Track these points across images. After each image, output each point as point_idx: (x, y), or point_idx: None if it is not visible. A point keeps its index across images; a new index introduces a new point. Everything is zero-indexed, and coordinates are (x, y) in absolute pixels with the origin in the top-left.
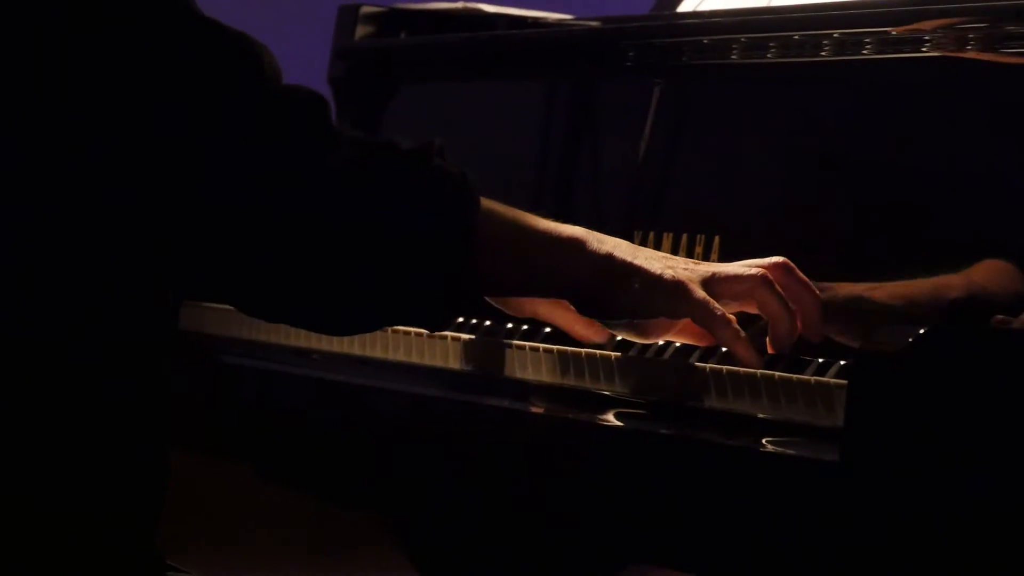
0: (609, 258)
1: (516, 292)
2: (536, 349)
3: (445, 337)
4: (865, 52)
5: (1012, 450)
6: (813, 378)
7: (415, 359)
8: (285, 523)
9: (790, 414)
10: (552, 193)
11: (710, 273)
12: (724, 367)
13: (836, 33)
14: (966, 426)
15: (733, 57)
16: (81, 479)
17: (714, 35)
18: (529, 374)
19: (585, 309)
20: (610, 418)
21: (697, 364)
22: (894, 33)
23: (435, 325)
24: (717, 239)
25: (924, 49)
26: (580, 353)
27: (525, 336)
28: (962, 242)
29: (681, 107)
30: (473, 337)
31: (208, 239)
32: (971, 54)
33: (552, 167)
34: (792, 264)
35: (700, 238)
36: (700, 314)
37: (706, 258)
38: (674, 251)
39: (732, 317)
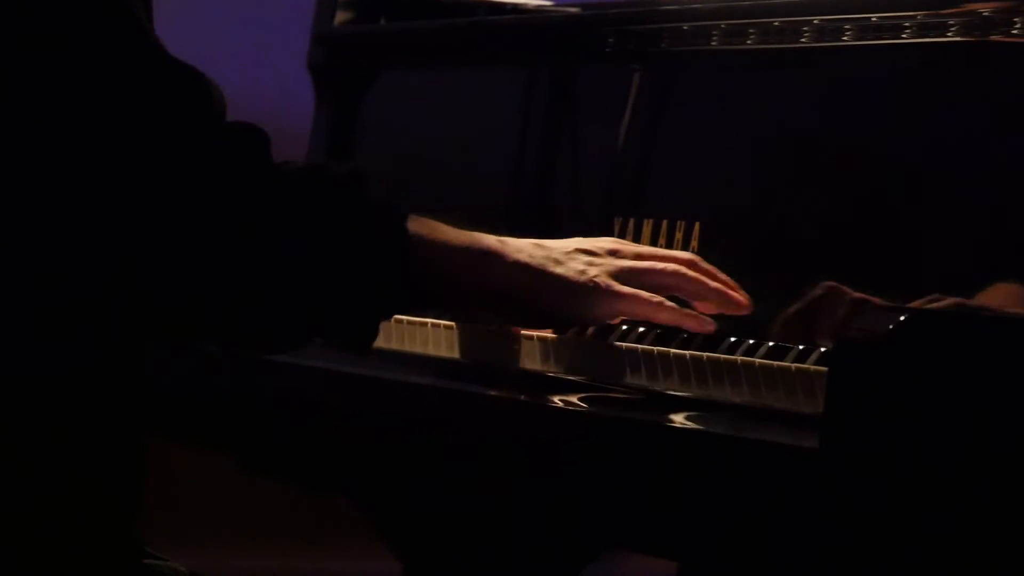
0: (524, 267)
1: (439, 307)
2: (531, 338)
3: (425, 324)
4: (845, 39)
5: (992, 436)
6: (794, 365)
7: (395, 346)
8: (266, 511)
9: (770, 401)
10: (531, 180)
11: (628, 267)
12: (705, 354)
13: (816, 19)
14: (947, 412)
15: (713, 44)
16: (56, 467)
17: (694, 21)
18: (537, 364)
19: (508, 319)
20: (586, 404)
21: (676, 351)
22: (874, 20)
23: (363, 351)
24: (697, 225)
25: (904, 36)
26: (564, 340)
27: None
28: (944, 228)
29: (661, 94)
30: (454, 325)
31: (147, 272)
32: (952, 39)
33: (531, 154)
34: (697, 258)
35: (680, 224)
36: (632, 309)
37: (686, 245)
38: (654, 237)
39: (663, 299)
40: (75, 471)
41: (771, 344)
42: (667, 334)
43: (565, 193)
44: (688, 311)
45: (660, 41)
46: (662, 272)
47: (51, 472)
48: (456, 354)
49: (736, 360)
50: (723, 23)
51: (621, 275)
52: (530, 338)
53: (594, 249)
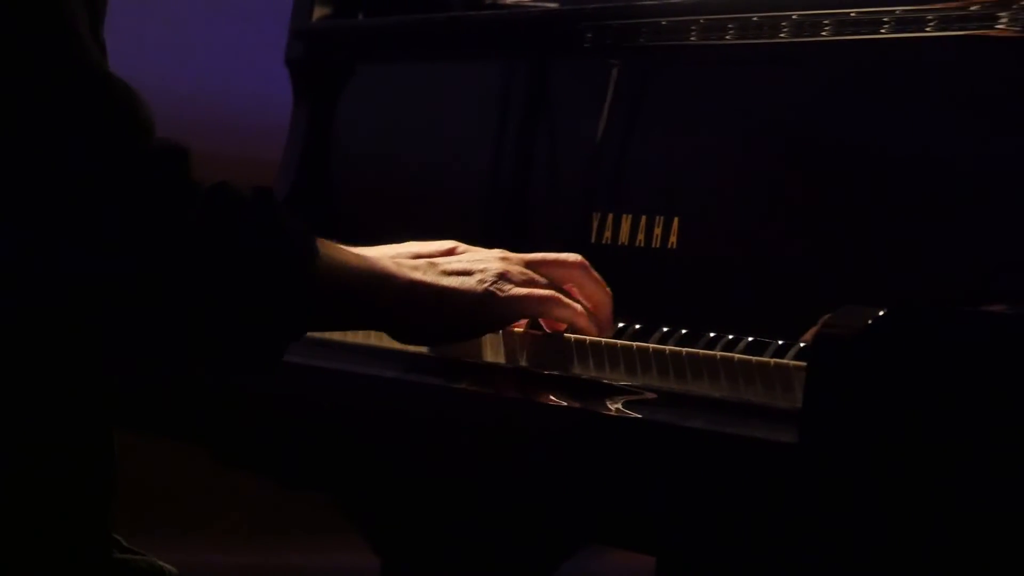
0: (414, 285)
1: (338, 328)
2: (511, 333)
3: None
4: (824, 34)
5: (970, 430)
6: (772, 360)
7: (373, 341)
8: (244, 506)
9: (749, 395)
10: (510, 175)
11: (528, 259)
12: (684, 349)
13: (795, 15)
14: (924, 407)
15: (692, 39)
16: (26, 461)
17: (672, 16)
18: (497, 357)
19: (402, 338)
20: (563, 399)
21: (655, 346)
22: (853, 15)
23: (269, 372)
24: (676, 220)
25: (883, 31)
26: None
27: None
28: (924, 224)
29: (639, 89)
30: None
31: (62, 290)
32: (930, 33)
33: (509, 149)
34: (586, 263)
35: (659, 219)
36: (529, 309)
37: (665, 240)
38: (633, 233)
39: (559, 295)
40: (45, 465)
41: (750, 339)
42: (646, 329)
43: (543, 188)
44: (581, 311)
45: (638, 36)
46: (564, 263)
47: (21, 466)
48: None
49: (715, 355)
50: (702, 18)
51: (512, 278)
52: (508, 333)
53: (484, 257)
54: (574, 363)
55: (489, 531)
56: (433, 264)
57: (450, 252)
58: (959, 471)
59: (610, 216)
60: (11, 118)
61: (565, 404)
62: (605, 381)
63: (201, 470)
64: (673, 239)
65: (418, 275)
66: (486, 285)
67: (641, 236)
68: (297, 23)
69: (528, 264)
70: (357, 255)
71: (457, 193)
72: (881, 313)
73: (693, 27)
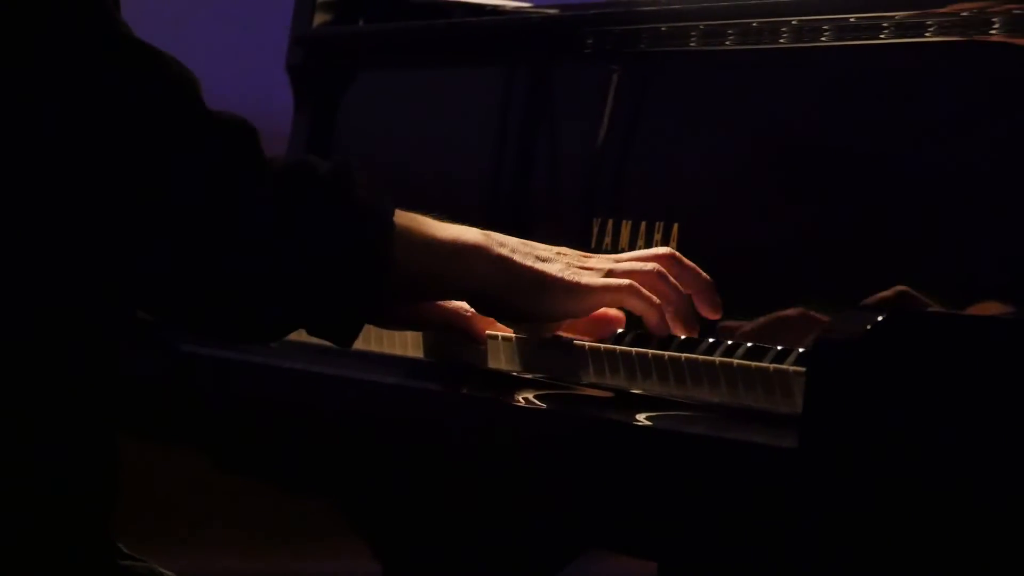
0: (509, 262)
1: (418, 300)
2: (510, 339)
3: None
4: (824, 39)
5: (971, 435)
6: (772, 365)
7: (373, 347)
8: (245, 512)
9: (749, 401)
10: (510, 181)
11: (606, 268)
12: (683, 355)
13: (795, 20)
14: (925, 412)
15: (692, 44)
16: (29, 467)
17: (672, 22)
18: (501, 363)
19: (487, 311)
20: (564, 405)
21: (655, 352)
22: (853, 20)
23: (347, 343)
24: (676, 227)
25: (883, 36)
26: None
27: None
28: (924, 229)
29: (639, 94)
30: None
31: (145, 257)
32: (930, 38)
33: (510, 154)
34: (678, 254)
35: (659, 226)
36: (606, 298)
37: (665, 245)
38: (632, 239)
39: (635, 286)
40: (48, 471)
41: (749, 344)
42: (646, 335)
43: (544, 195)
44: (658, 305)
45: (639, 42)
46: (639, 273)
47: (24, 472)
48: (431, 355)
49: (715, 360)
50: (702, 24)
51: (599, 274)
52: (508, 339)
53: (574, 255)
54: (575, 369)
55: (490, 536)
56: (527, 244)
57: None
58: (960, 476)
59: (610, 222)
60: (73, 98)
61: (564, 410)
62: (605, 386)
63: (202, 476)
64: (673, 244)
65: (506, 251)
66: (567, 275)
67: (641, 242)
68: (298, 29)
69: (613, 271)
70: (445, 227)
71: (458, 199)
72: (880, 318)
73: (693, 32)
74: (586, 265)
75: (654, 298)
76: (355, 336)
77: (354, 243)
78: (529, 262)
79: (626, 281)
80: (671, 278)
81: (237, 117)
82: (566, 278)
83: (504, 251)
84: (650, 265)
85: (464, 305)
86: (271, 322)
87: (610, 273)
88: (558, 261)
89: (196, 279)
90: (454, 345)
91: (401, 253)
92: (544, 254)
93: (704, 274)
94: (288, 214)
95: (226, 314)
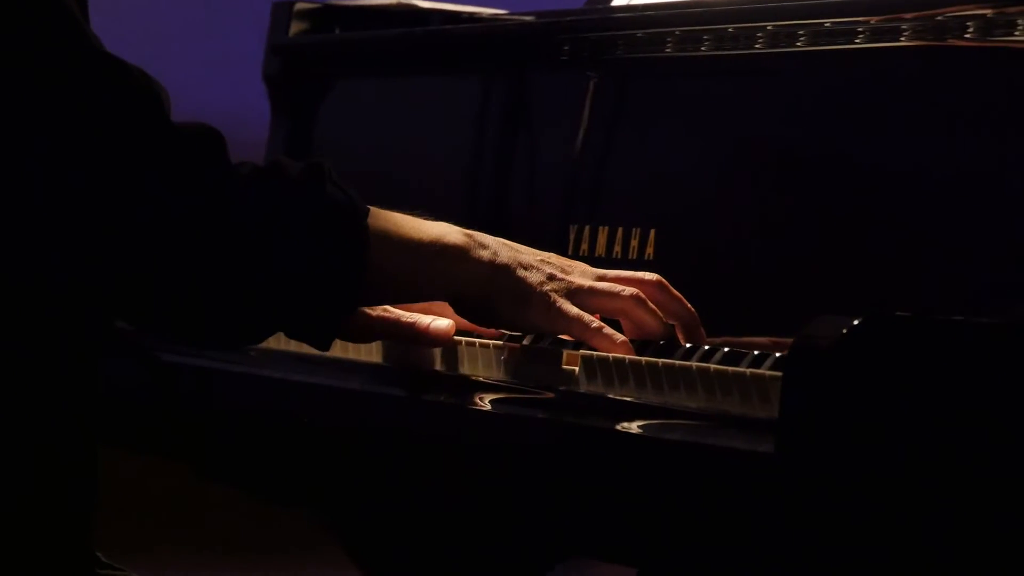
0: (489, 266)
1: (397, 301)
2: (487, 346)
3: None
4: (799, 44)
5: (948, 437)
6: (748, 370)
7: (352, 355)
8: (225, 521)
9: (726, 406)
10: (487, 189)
11: (586, 286)
12: (660, 360)
13: (770, 26)
14: (902, 416)
15: (667, 50)
16: (7, 479)
17: (648, 28)
18: (479, 370)
19: (466, 315)
20: (542, 411)
21: (631, 357)
22: (827, 25)
23: (324, 345)
24: (653, 232)
25: (858, 41)
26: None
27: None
28: (899, 234)
29: (616, 100)
30: None
31: (117, 267)
32: (906, 43)
33: (487, 162)
34: (664, 281)
35: (636, 232)
36: (575, 330)
37: (642, 252)
38: (610, 245)
39: (603, 325)
40: (26, 481)
41: (726, 350)
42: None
43: (521, 201)
44: (623, 342)
45: (615, 48)
46: (618, 296)
47: (2, 482)
48: (400, 363)
49: (691, 366)
50: (677, 30)
51: (578, 293)
52: (486, 346)
53: (558, 264)
54: (551, 376)
55: (470, 545)
56: (510, 247)
57: (582, 272)
58: (937, 478)
59: (587, 228)
60: (41, 111)
61: (541, 416)
62: (582, 392)
63: (183, 485)
64: (650, 250)
65: (487, 254)
66: (545, 289)
67: (618, 248)
68: (274, 38)
69: (594, 289)
70: (425, 227)
71: (435, 207)
72: (856, 322)
73: (669, 39)
74: (568, 279)
75: (619, 337)
76: (332, 338)
77: (326, 243)
78: (512, 270)
79: (597, 323)
80: (649, 304)
81: (203, 125)
82: (548, 297)
83: (486, 254)
84: (628, 291)
85: (418, 317)
86: (247, 325)
87: (591, 291)
88: (540, 271)
89: (170, 287)
90: (425, 352)
91: (377, 252)
92: (527, 259)
93: (689, 306)
94: (259, 217)
95: (202, 319)
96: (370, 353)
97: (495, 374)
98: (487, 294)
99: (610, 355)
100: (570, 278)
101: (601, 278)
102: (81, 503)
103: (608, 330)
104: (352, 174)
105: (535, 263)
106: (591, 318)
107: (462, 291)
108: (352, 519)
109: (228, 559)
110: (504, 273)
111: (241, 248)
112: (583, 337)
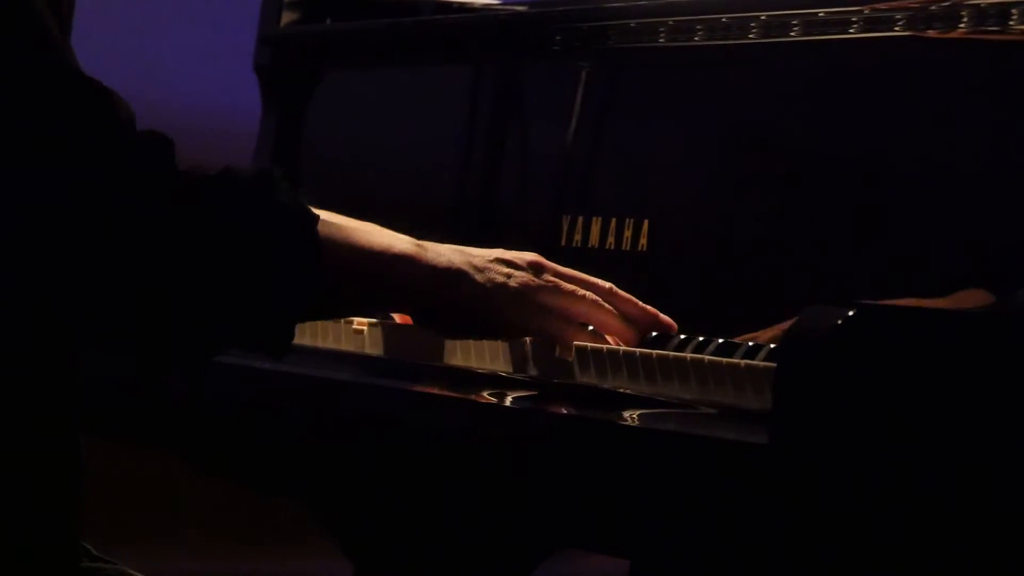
0: (444, 271)
1: (354, 312)
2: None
3: (373, 325)
4: (792, 34)
5: (940, 429)
6: (743, 361)
7: (343, 346)
8: (216, 513)
9: (719, 397)
10: (479, 179)
11: (551, 284)
12: (654, 351)
13: (763, 15)
14: (894, 406)
15: (660, 40)
16: None
17: (641, 18)
18: (473, 361)
19: (423, 321)
20: (534, 402)
21: (625, 348)
22: (821, 15)
23: (279, 356)
24: (646, 223)
25: (851, 31)
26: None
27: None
28: (893, 224)
29: (608, 91)
30: (394, 323)
31: (64, 274)
32: (899, 32)
33: (479, 153)
34: (615, 288)
35: (629, 222)
36: (549, 326)
37: (635, 243)
38: (603, 236)
39: (574, 325)
40: (11, 473)
41: (720, 341)
42: None
43: (513, 192)
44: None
45: (607, 38)
46: (581, 299)
47: None
48: (393, 353)
49: (685, 357)
50: (670, 20)
51: (540, 291)
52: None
53: (516, 260)
54: (545, 367)
55: (461, 535)
56: (462, 252)
57: (536, 266)
58: (930, 470)
59: (580, 219)
60: None
61: (533, 407)
62: (574, 384)
63: (172, 477)
64: (643, 241)
65: (442, 261)
66: (510, 285)
67: (611, 239)
68: (265, 29)
69: (558, 287)
70: (378, 235)
71: (427, 198)
72: (850, 313)
73: (662, 28)
74: (527, 277)
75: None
76: (287, 350)
77: (277, 247)
78: (468, 273)
79: (576, 319)
80: (607, 306)
81: (153, 133)
82: (515, 296)
83: (439, 260)
84: (589, 294)
85: None
86: (199, 337)
87: (554, 290)
88: (497, 271)
89: (115, 300)
90: (419, 343)
91: (329, 260)
92: (480, 262)
93: (645, 307)
94: (208, 227)
95: (150, 334)
96: (363, 344)
97: (488, 365)
98: (446, 300)
99: (604, 346)
100: (529, 277)
101: (558, 275)
102: (67, 495)
103: (580, 329)
104: (344, 165)
105: (489, 264)
106: (562, 317)
107: (420, 298)
108: (340, 509)
109: (219, 549)
110: (460, 276)
111: (190, 259)
112: (554, 335)
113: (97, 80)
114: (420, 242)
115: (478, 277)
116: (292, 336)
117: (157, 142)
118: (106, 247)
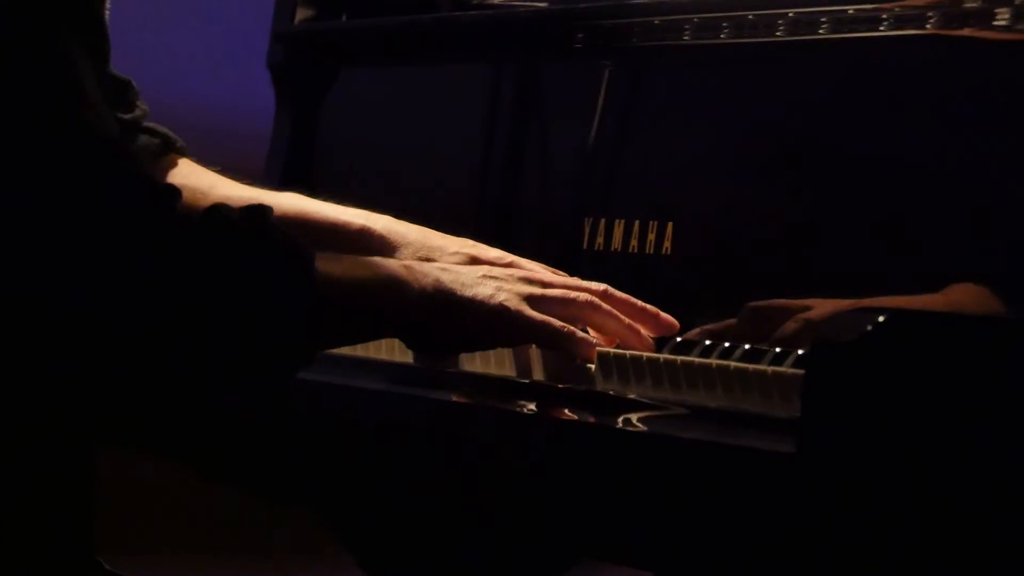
0: (433, 291)
1: (347, 342)
2: None
3: None
4: (821, 32)
5: (969, 436)
6: (770, 368)
7: (359, 352)
8: (228, 523)
9: (746, 405)
10: (499, 179)
11: (538, 294)
12: (679, 358)
13: (791, 12)
14: (923, 414)
15: (685, 38)
16: (5, 486)
17: (665, 16)
18: (477, 366)
19: (414, 345)
20: (557, 410)
21: (649, 355)
22: (851, 12)
23: (281, 390)
24: (670, 225)
25: (881, 28)
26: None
27: None
28: (919, 224)
29: (632, 90)
30: None
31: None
32: (930, 30)
33: (499, 153)
34: (611, 289)
35: (653, 225)
36: (541, 337)
37: (659, 246)
38: (626, 239)
39: (574, 329)
40: (25, 488)
41: (747, 347)
42: None
43: (534, 193)
44: (594, 344)
45: (631, 36)
46: (573, 302)
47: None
48: (401, 357)
49: (711, 363)
50: (695, 17)
51: (531, 301)
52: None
53: (502, 276)
54: (566, 374)
55: (479, 547)
56: (449, 271)
57: (524, 279)
58: (960, 478)
59: (602, 222)
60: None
61: (556, 416)
62: (597, 392)
63: (184, 489)
64: (667, 245)
65: (429, 282)
66: (499, 300)
67: (635, 242)
68: (279, 26)
69: (545, 297)
70: (362, 263)
71: (446, 200)
72: (880, 319)
73: (687, 26)
74: (518, 287)
75: (589, 340)
76: (288, 388)
77: (276, 292)
78: (456, 291)
79: (568, 328)
80: (605, 307)
81: (153, 182)
82: (506, 309)
83: (427, 280)
84: (582, 296)
85: None
86: (199, 381)
87: (543, 299)
88: (486, 285)
89: (117, 347)
90: None
91: (326, 296)
92: (468, 279)
93: (642, 305)
94: (205, 268)
95: (148, 385)
96: (377, 350)
97: (507, 372)
98: (436, 319)
99: (627, 352)
100: (519, 287)
101: (548, 284)
102: (80, 509)
103: (581, 334)
104: (359, 165)
105: (478, 280)
106: (559, 323)
107: (410, 319)
108: (355, 519)
109: (231, 561)
110: (448, 294)
111: (190, 302)
112: (554, 343)
113: (107, 133)
114: (406, 264)
115: (467, 293)
116: (292, 376)
117: (160, 191)
118: (101, 296)
